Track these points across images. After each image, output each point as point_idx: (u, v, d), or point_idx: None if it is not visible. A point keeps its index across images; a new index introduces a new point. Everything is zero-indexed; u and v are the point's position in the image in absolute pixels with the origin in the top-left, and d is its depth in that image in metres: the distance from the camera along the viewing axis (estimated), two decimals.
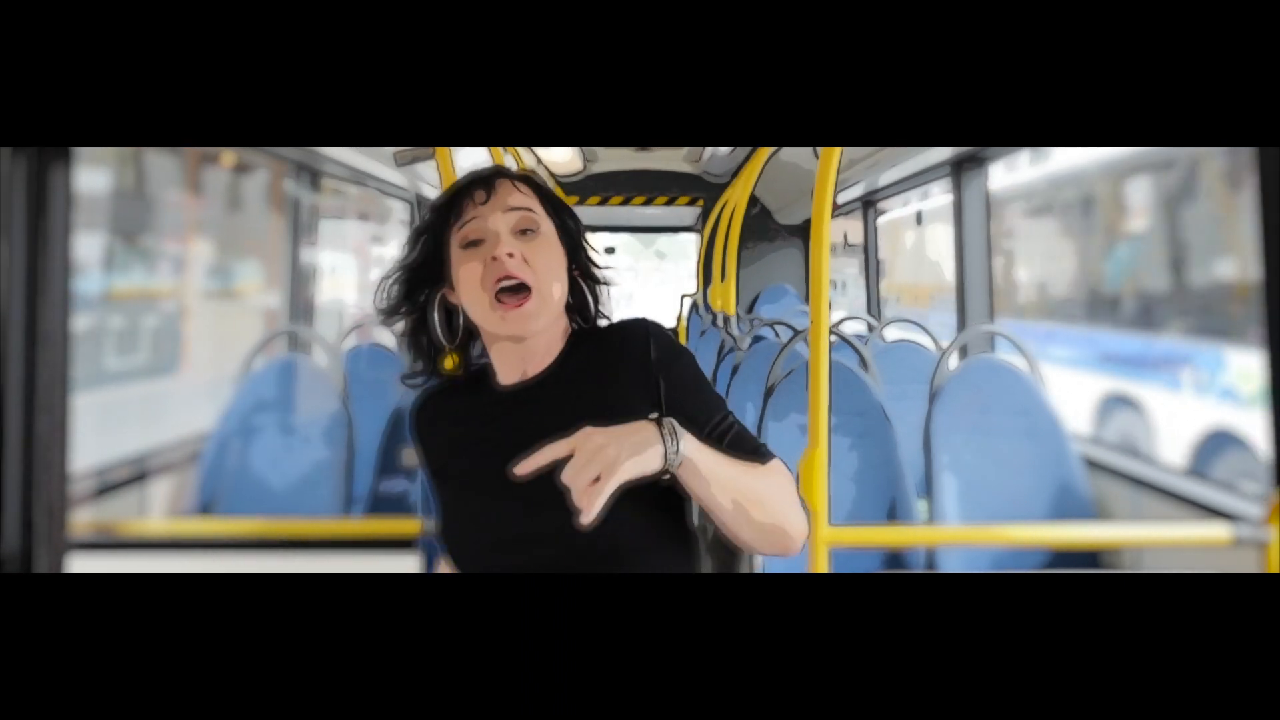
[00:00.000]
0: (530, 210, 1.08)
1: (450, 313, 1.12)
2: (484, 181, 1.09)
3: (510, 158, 3.30)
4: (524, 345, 1.07)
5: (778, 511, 0.97)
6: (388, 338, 3.61)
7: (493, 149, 2.72)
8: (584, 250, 1.14)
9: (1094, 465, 2.41)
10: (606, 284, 1.14)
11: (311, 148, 3.06)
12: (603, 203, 5.94)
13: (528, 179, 1.13)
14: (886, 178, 4.05)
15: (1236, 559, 1.62)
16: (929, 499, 2.37)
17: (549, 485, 0.88)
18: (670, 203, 6.00)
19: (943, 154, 3.26)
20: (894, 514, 2.37)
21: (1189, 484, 2.16)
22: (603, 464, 0.83)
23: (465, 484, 1.07)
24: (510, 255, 1.03)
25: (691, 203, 5.98)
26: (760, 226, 5.82)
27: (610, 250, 6.80)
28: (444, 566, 1.13)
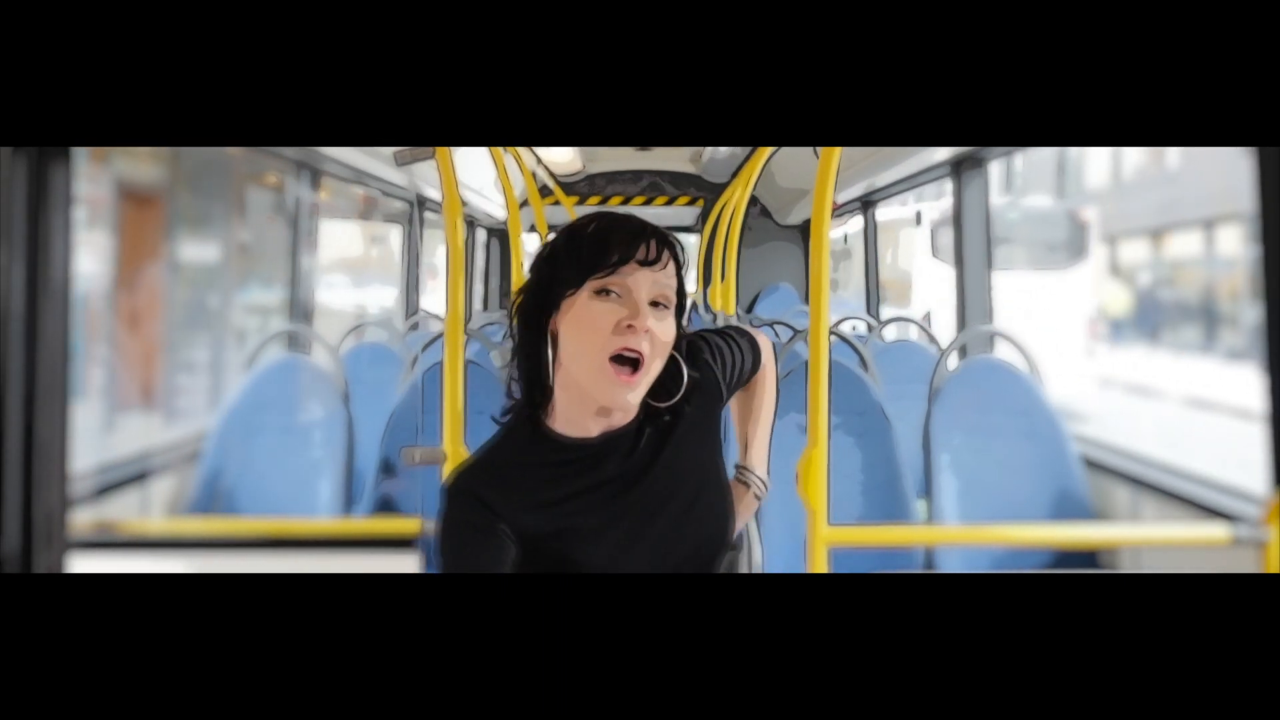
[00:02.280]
0: (671, 287, 1.05)
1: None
2: (659, 240, 1.04)
3: (510, 157, 3.29)
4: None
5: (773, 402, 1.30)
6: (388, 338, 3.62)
7: (493, 149, 2.72)
8: (687, 324, 1.10)
9: (1092, 465, 2.41)
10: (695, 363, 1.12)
11: (312, 148, 3.06)
12: (603, 203, 5.93)
13: (673, 247, 1.07)
14: (886, 178, 4.05)
15: (1235, 559, 1.62)
16: (928, 499, 2.37)
17: (677, 524, 1.06)
18: (670, 203, 6.00)
19: (943, 154, 3.26)
20: (894, 514, 2.37)
21: (1189, 484, 2.16)
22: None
23: (581, 538, 1.05)
24: (647, 331, 1.00)
25: (691, 203, 5.98)
26: (760, 226, 5.82)
27: None
28: None
